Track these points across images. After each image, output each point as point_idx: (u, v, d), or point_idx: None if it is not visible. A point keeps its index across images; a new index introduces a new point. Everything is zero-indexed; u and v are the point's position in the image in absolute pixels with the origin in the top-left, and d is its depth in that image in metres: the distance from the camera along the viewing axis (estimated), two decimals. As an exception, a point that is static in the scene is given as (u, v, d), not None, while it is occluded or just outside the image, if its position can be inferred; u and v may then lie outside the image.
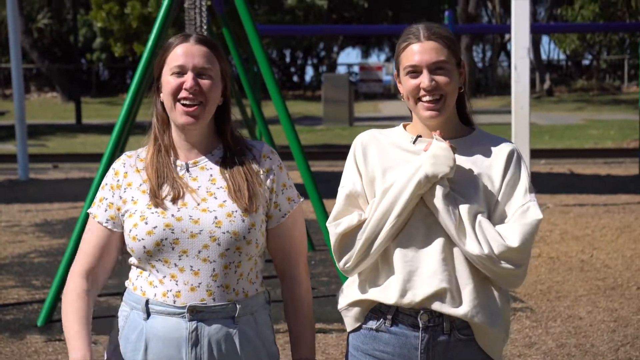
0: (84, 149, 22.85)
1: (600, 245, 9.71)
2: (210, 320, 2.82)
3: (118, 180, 2.94)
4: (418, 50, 2.93)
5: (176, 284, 2.81)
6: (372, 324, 2.99)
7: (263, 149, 2.98)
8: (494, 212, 2.93)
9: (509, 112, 11.38)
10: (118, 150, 6.98)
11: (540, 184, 14.25)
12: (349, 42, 51.42)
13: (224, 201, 2.85)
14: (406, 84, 2.96)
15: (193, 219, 2.81)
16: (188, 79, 2.84)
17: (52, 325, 6.76)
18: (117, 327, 2.93)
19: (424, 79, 2.92)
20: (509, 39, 12.98)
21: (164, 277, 2.82)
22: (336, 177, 3.25)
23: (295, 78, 51.83)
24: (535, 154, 17.84)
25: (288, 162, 9.55)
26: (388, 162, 2.98)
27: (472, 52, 44.53)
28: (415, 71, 2.93)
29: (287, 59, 51.85)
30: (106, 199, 2.94)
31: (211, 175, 2.90)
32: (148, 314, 2.84)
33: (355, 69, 48.80)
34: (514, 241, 2.86)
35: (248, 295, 2.88)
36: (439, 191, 2.88)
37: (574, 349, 6.22)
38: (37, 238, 10.56)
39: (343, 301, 3.06)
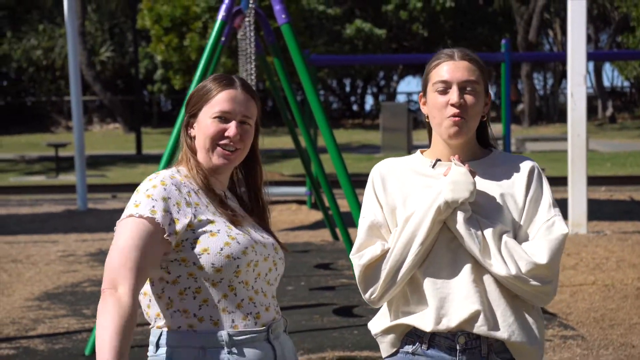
0: (142, 178, 22.92)
1: (658, 274, 9.51)
2: (279, 336, 2.89)
3: (186, 198, 2.81)
4: (450, 67, 2.92)
5: (254, 306, 2.83)
6: (409, 347, 2.95)
7: None
8: (519, 230, 2.91)
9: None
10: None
11: (600, 211, 14.07)
12: (409, 70, 51.37)
13: (266, 230, 2.96)
14: (433, 101, 2.94)
15: (263, 244, 2.87)
16: (232, 127, 2.85)
17: (100, 354, 6.78)
18: None
19: (453, 95, 2.90)
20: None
21: (242, 300, 2.80)
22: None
23: (355, 107, 51.91)
24: (596, 181, 17.61)
25: (336, 191, 9.58)
26: (408, 189, 2.96)
27: (533, 80, 44.19)
28: (444, 88, 2.91)
29: (347, 88, 51.96)
30: (169, 213, 2.76)
31: (241, 207, 2.98)
32: (232, 346, 2.77)
33: (415, 97, 48.75)
34: (542, 258, 2.83)
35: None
36: (460, 216, 2.85)
37: (626, 380, 6.09)
38: (90, 267, 10.66)
39: (377, 327, 3.03)
